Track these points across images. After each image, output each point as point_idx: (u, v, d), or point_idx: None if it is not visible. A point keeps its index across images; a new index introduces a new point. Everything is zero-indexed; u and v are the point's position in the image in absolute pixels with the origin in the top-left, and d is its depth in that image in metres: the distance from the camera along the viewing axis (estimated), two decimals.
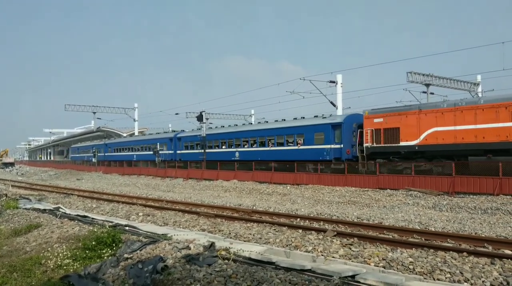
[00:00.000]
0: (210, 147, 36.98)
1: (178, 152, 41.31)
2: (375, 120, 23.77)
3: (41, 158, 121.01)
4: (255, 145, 32.31)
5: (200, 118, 37.39)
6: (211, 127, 40.20)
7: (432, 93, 35.66)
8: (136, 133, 59.09)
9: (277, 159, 29.52)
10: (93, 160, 59.84)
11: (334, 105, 33.23)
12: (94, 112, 58.08)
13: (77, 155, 71.24)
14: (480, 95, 34.73)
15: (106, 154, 57.17)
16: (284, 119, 32.21)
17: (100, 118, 61.44)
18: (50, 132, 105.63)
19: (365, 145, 24.01)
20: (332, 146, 26.11)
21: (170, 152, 42.21)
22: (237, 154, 33.67)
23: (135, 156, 48.67)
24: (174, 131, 45.25)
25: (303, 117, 30.51)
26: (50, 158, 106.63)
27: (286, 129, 29.96)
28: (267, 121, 35.00)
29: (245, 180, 30.01)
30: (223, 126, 39.92)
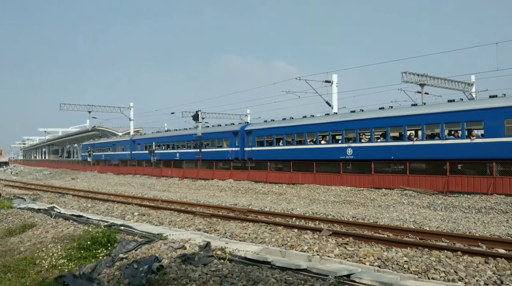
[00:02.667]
0: (300, 142, 27.92)
1: (247, 149, 32.26)
2: None
3: (35, 157, 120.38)
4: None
5: (196, 117, 37.34)
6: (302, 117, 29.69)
7: (426, 93, 35.90)
8: (132, 133, 58.88)
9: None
10: (88, 159, 59.55)
11: (329, 105, 33.32)
12: (90, 112, 57.87)
13: (87, 154, 63.04)
14: (474, 95, 34.95)
15: (133, 152, 49.15)
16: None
17: (95, 118, 61.26)
18: (45, 131, 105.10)
19: None
20: None
21: (232, 149, 33.51)
22: (349, 151, 24.41)
23: (178, 154, 40.60)
24: (240, 123, 35.98)
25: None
26: (45, 157, 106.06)
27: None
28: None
29: (240, 179, 30.02)
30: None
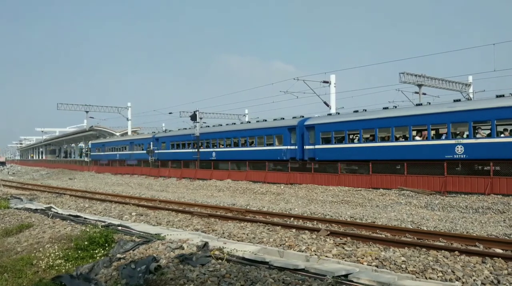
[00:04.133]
0: (384, 139, 23.25)
1: (309, 147, 26.97)
2: None
3: (32, 157, 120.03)
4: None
5: (193, 117, 37.31)
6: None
7: (424, 94, 35.96)
8: (129, 133, 58.77)
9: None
10: (85, 159, 59.34)
11: (327, 105, 33.36)
12: (87, 111, 57.67)
13: (102, 154, 56.62)
14: (471, 96, 35.05)
15: (157, 151, 43.39)
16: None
17: (92, 117, 61.07)
18: (42, 131, 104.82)
19: None
20: None
21: (287, 147, 28.23)
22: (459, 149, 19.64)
23: (214, 153, 35.20)
24: (295, 117, 29.56)
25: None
26: (42, 157, 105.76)
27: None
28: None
29: (238, 179, 30.01)
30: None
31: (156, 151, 43.00)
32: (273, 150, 29.28)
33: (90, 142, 64.13)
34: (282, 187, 24.88)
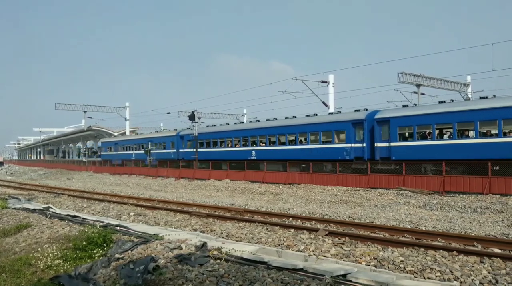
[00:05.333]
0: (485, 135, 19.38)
1: (381, 144, 23.10)
2: None
3: (30, 157, 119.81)
4: None
5: (192, 117, 37.27)
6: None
7: (422, 94, 36.01)
8: (128, 133, 58.70)
9: None
10: (83, 159, 59.19)
11: (326, 105, 33.39)
12: (85, 111, 57.58)
13: (115, 153, 52.11)
14: (470, 96, 35.13)
15: (180, 150, 39.69)
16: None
17: (90, 117, 60.99)
18: (40, 131, 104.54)
19: None
20: None
21: (352, 145, 24.26)
22: None
23: (253, 152, 31.13)
24: (357, 110, 25.48)
25: None
26: (40, 157, 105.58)
27: None
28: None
29: (237, 179, 30.01)
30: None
31: (180, 150, 39.21)
32: (333, 149, 25.16)
33: (100, 141, 60.71)
34: (280, 187, 24.89)
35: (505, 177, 17.84)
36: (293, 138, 28.61)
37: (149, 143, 43.95)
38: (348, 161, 24.50)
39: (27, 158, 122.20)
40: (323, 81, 33.02)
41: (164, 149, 41.71)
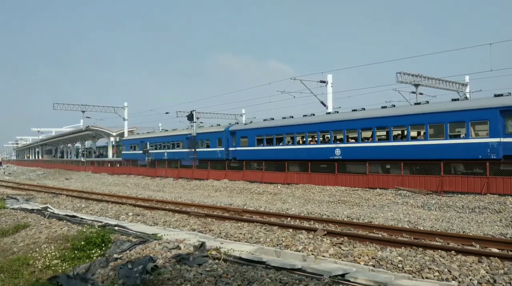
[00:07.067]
0: None
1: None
2: None
3: (29, 157, 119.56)
4: None
5: (190, 117, 37.24)
6: None
7: (421, 94, 36.07)
8: (126, 133, 58.60)
9: None
10: (82, 159, 59.06)
11: (324, 105, 33.40)
12: (83, 111, 57.47)
13: (141, 152, 45.66)
14: (468, 95, 35.18)
15: (230, 149, 33.73)
16: None
17: (89, 117, 60.85)
18: (38, 131, 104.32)
19: None
20: None
21: (494, 139, 18.69)
22: None
23: (338, 150, 24.91)
24: (498, 95, 19.50)
25: None
26: (38, 157, 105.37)
27: None
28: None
29: (235, 179, 30.00)
30: None
31: (230, 149, 33.66)
32: (465, 145, 19.52)
33: (122, 139, 54.43)
34: (279, 187, 24.89)
35: (503, 177, 17.87)
36: (399, 132, 22.61)
37: (187, 140, 38.28)
38: (495, 160, 18.62)
39: (25, 158, 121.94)
40: (321, 81, 33.02)
41: (207, 147, 36.22)
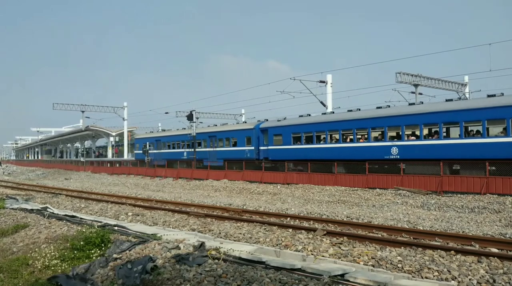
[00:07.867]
0: None
1: None
2: None
3: (28, 157, 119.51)
4: None
5: (190, 117, 37.22)
6: None
7: (420, 94, 36.10)
8: (126, 133, 58.60)
9: None
10: (81, 159, 59.08)
11: (324, 105, 33.41)
12: (83, 111, 57.50)
13: (157, 152, 43.16)
14: (468, 95, 35.20)
15: (261, 148, 30.72)
16: None
17: (88, 117, 60.87)
18: (38, 131, 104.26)
19: None
20: None
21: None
22: None
23: (394, 149, 21.90)
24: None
25: None
26: (37, 157, 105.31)
27: None
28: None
29: (235, 179, 29.99)
30: None
31: (261, 148, 30.63)
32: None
33: (135, 137, 51.56)
34: (278, 187, 24.89)
35: (502, 177, 17.88)
36: (475, 129, 19.26)
37: (212, 138, 35.68)
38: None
39: (25, 158, 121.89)
40: (321, 81, 33.04)
41: (235, 146, 33.16)
